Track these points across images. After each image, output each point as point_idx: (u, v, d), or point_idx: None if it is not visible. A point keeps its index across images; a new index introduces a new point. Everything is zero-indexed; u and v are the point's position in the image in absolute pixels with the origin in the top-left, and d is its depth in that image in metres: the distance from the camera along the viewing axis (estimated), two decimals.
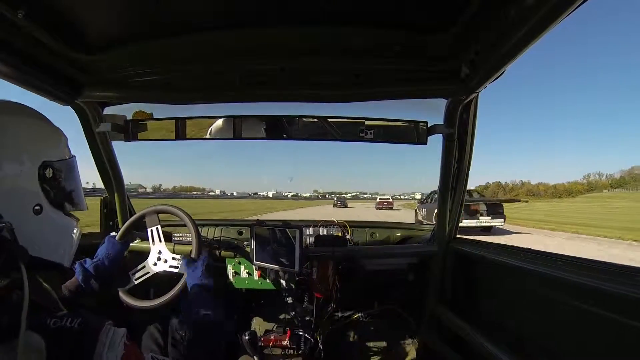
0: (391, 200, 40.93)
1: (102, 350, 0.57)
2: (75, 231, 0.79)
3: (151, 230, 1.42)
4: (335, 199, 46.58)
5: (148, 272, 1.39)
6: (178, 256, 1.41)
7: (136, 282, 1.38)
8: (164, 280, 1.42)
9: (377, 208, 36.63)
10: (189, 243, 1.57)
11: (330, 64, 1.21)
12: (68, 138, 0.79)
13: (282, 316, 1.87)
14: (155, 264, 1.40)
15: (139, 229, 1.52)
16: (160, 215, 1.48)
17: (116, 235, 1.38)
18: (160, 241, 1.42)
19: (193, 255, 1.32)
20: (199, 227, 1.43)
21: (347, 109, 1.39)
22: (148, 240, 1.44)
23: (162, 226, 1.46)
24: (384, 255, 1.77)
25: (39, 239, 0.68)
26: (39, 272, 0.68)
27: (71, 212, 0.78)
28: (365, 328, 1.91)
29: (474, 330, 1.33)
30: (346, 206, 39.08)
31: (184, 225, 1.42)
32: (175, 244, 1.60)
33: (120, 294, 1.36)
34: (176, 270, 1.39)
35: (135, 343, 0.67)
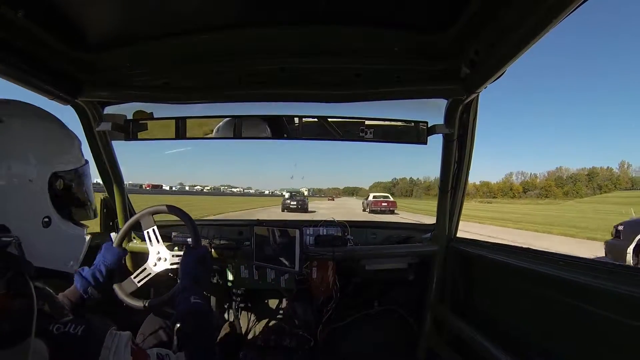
0: (392, 200, 28.07)
1: (108, 355, 0.57)
2: (84, 239, 0.78)
3: (147, 232, 1.42)
4: (286, 196, 27.12)
5: (150, 274, 1.39)
6: (178, 252, 1.41)
7: (139, 285, 1.38)
8: (163, 280, 1.42)
9: (370, 211, 24.85)
10: (187, 242, 1.57)
11: (330, 64, 1.21)
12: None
13: (282, 316, 1.87)
14: (155, 265, 1.40)
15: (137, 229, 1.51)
16: (158, 215, 1.47)
17: (112, 243, 1.37)
18: (158, 242, 1.42)
19: (192, 245, 1.32)
20: (197, 227, 1.43)
21: (347, 109, 1.39)
22: (146, 243, 1.44)
23: (159, 227, 1.46)
24: (384, 255, 1.76)
25: (47, 251, 0.67)
26: (46, 279, 0.67)
27: (81, 221, 0.76)
28: (365, 328, 1.90)
29: (474, 330, 1.33)
30: (306, 211, 23.67)
31: (183, 225, 1.42)
32: (175, 244, 1.60)
33: (120, 294, 1.36)
34: (177, 266, 1.39)
35: (140, 347, 0.67)
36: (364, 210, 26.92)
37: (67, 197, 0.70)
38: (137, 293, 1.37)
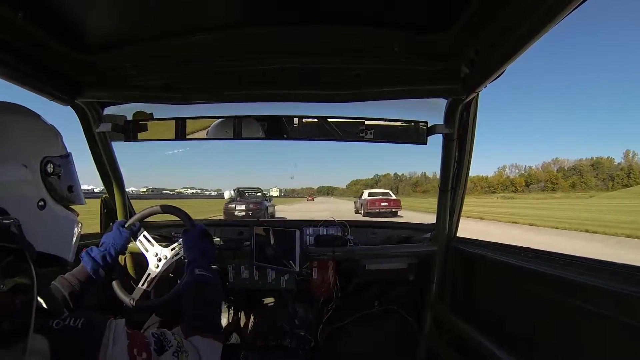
0: (394, 197, 20.75)
1: (108, 344, 0.58)
2: (77, 225, 0.80)
3: (140, 241, 1.42)
4: (228, 195, 17.52)
5: (155, 276, 1.39)
6: (175, 244, 1.42)
7: (149, 290, 1.38)
8: (164, 280, 1.42)
9: (365, 213, 18.58)
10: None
11: (330, 64, 1.21)
12: (64, 137, 0.80)
13: (282, 316, 1.87)
14: (157, 266, 1.40)
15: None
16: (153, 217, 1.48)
17: (125, 222, 1.37)
18: (152, 245, 1.42)
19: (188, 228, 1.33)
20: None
21: (347, 109, 1.39)
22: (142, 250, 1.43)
23: (157, 227, 1.46)
24: (384, 255, 1.77)
25: (45, 234, 0.69)
26: (45, 267, 0.68)
27: (71, 207, 0.79)
28: (365, 328, 1.91)
29: (474, 329, 1.33)
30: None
31: (174, 224, 1.42)
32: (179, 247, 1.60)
33: (120, 294, 1.36)
34: (180, 254, 1.40)
35: (136, 331, 0.67)
36: (357, 212, 20.63)
37: (58, 181, 0.73)
38: (144, 296, 1.38)
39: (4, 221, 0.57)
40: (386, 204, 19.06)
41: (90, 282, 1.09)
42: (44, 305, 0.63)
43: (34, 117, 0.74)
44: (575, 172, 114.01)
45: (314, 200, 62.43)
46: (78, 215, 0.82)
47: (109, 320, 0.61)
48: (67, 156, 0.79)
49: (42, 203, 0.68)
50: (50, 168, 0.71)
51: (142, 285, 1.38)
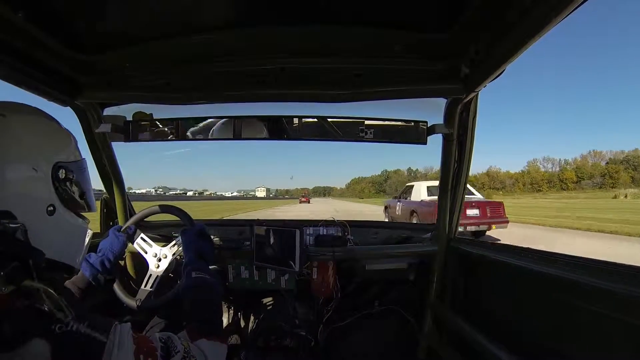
0: (486, 199, 10.00)
1: (112, 349, 0.57)
2: (87, 232, 0.79)
3: (137, 244, 1.42)
4: None
5: (157, 277, 1.39)
6: (173, 242, 1.42)
7: (152, 290, 1.38)
8: (164, 281, 1.42)
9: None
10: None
11: (330, 64, 1.21)
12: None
13: (282, 316, 1.87)
14: (158, 266, 1.40)
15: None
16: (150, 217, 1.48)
17: (120, 227, 1.37)
18: (151, 246, 1.42)
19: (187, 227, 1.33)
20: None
21: (347, 109, 1.39)
22: (142, 253, 1.43)
23: (158, 227, 1.46)
24: (385, 255, 1.76)
25: (52, 240, 0.68)
26: (50, 273, 0.67)
27: (82, 214, 0.78)
28: (365, 328, 1.91)
29: (474, 329, 1.33)
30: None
31: (168, 224, 1.42)
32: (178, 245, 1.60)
33: (121, 295, 1.36)
34: (179, 251, 1.40)
35: (142, 335, 0.67)
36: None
37: (69, 188, 0.72)
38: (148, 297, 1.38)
39: (10, 225, 0.57)
40: (477, 212, 8.44)
41: (90, 289, 1.09)
42: (46, 309, 0.63)
43: (48, 119, 0.72)
44: (630, 164, 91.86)
45: (308, 202, 51.15)
46: (89, 222, 0.81)
47: (114, 325, 0.60)
48: (81, 162, 0.77)
49: (51, 208, 0.67)
50: (62, 174, 0.70)
51: (145, 286, 1.38)
